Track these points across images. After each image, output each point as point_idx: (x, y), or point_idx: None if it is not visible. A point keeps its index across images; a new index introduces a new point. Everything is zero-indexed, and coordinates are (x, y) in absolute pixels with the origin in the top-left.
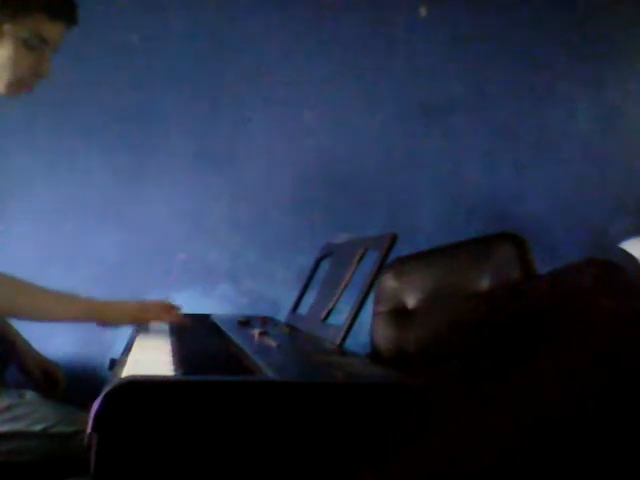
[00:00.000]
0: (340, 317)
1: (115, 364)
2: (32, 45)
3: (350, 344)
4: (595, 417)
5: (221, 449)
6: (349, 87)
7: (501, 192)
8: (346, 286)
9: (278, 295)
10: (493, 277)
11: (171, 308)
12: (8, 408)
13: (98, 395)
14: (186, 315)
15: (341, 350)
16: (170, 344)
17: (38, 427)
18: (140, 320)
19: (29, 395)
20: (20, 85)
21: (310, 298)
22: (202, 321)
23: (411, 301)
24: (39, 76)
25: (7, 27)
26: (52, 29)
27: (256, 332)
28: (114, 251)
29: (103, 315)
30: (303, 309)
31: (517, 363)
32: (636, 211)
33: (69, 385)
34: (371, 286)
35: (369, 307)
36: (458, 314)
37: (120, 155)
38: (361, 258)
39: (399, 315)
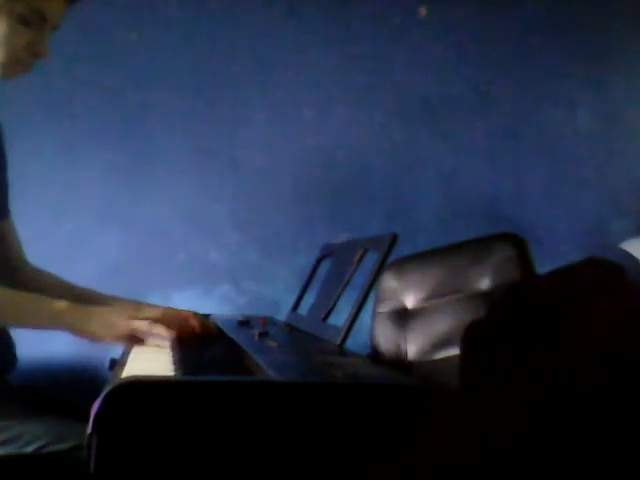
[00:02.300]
0: (340, 317)
1: (115, 364)
2: (29, 22)
3: (350, 344)
4: (594, 418)
5: (221, 449)
6: (349, 87)
7: (501, 192)
8: (346, 286)
9: (278, 295)
10: (493, 277)
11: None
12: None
13: (98, 395)
14: None
15: (341, 350)
16: (170, 344)
17: (30, 449)
18: (133, 337)
19: (21, 410)
20: (16, 66)
21: (310, 298)
22: None
23: (411, 301)
24: (36, 55)
25: (1, 2)
26: (51, 4)
27: (256, 332)
28: (114, 251)
29: (81, 325)
30: (303, 309)
31: (516, 363)
32: (636, 211)
33: (69, 385)
34: (371, 286)
35: (369, 307)
36: (458, 314)
37: (120, 155)
38: (361, 258)
39: (399, 315)
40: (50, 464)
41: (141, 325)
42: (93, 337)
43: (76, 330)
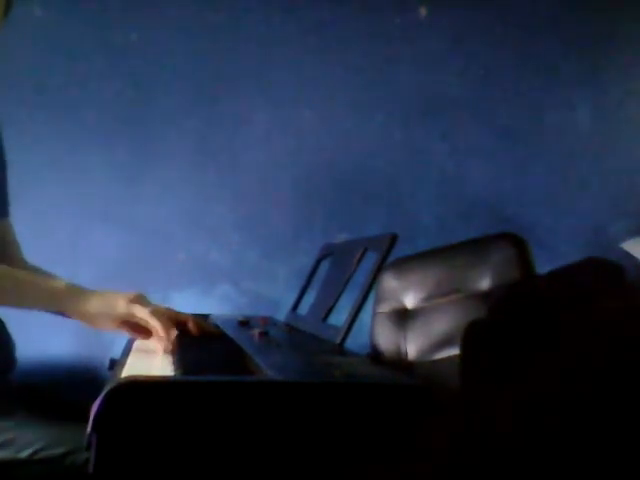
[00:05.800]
0: (340, 317)
1: (115, 364)
2: None
3: (350, 344)
4: (595, 417)
5: (221, 449)
6: (349, 87)
7: (501, 192)
8: (345, 286)
9: (278, 295)
10: (493, 277)
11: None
12: None
13: (98, 395)
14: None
15: (341, 350)
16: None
17: (25, 453)
18: (132, 326)
19: (17, 415)
20: None
21: (310, 298)
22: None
23: (411, 301)
24: None
25: None
26: None
27: (256, 332)
28: (114, 251)
29: (78, 306)
30: (303, 309)
31: (516, 363)
32: (636, 211)
33: (69, 385)
34: (371, 286)
35: (369, 307)
36: (458, 314)
37: (120, 155)
38: (361, 258)
39: (399, 315)
40: (44, 469)
41: (141, 311)
42: (90, 320)
43: (73, 312)
